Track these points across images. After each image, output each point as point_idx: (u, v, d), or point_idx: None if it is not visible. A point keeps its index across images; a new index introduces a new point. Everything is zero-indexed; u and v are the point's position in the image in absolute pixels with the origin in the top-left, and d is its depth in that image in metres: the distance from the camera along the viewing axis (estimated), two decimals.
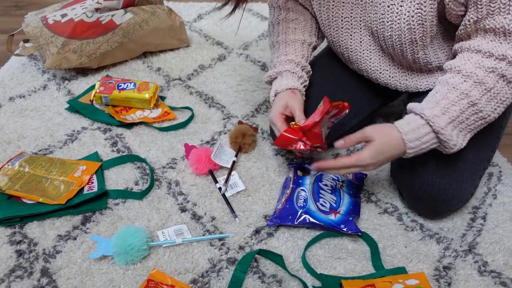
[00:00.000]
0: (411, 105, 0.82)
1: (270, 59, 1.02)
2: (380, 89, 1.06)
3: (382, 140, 0.80)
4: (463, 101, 0.77)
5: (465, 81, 0.77)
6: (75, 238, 0.91)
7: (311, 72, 1.05)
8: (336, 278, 0.82)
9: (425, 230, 0.94)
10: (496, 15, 0.72)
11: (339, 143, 0.84)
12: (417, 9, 0.79)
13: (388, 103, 1.18)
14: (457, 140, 0.79)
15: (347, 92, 1.08)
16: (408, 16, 0.81)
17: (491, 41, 0.75)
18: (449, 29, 0.86)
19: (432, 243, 0.92)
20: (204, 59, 1.49)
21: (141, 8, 1.43)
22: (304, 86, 1.00)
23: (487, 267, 0.87)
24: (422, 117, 0.79)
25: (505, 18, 0.72)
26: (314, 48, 1.06)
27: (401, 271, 0.84)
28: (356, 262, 0.87)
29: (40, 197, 0.94)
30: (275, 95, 0.97)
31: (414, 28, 0.82)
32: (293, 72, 0.98)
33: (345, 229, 0.89)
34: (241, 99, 1.31)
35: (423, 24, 0.81)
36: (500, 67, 0.74)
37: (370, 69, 0.98)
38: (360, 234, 0.90)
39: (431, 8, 0.79)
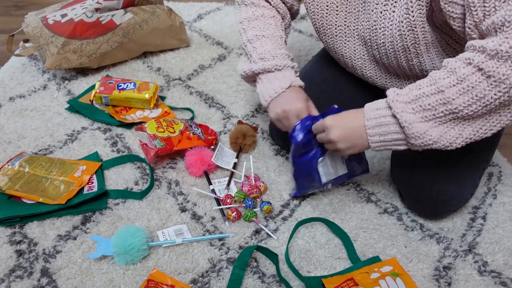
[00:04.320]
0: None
1: (248, 53, 0.98)
2: (380, 91, 1.06)
3: (347, 112, 0.82)
4: (431, 87, 0.72)
5: (448, 76, 0.72)
6: (75, 238, 0.91)
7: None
8: (318, 279, 0.83)
9: (425, 230, 0.94)
10: (492, 14, 0.68)
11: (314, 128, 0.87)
12: (405, 14, 0.78)
13: None
14: (421, 127, 0.73)
15: (345, 93, 1.08)
16: (398, 21, 0.80)
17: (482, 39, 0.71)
18: (445, 38, 0.85)
19: (432, 243, 0.92)
20: (204, 59, 1.49)
21: (141, 8, 1.43)
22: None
23: (487, 267, 0.87)
24: (386, 96, 0.77)
25: (495, 14, 0.67)
26: None
27: (375, 260, 0.86)
28: None
29: (40, 197, 0.94)
30: (288, 87, 0.93)
31: (405, 35, 0.81)
32: (295, 70, 0.97)
33: (358, 172, 0.94)
34: (241, 99, 1.31)
35: (413, 30, 0.80)
36: (478, 60, 0.67)
37: (366, 74, 0.98)
38: (368, 171, 0.93)
39: (420, 13, 0.77)
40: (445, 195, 0.89)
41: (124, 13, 1.40)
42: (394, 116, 0.75)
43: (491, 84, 0.67)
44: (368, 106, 0.79)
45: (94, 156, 1.09)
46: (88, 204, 0.96)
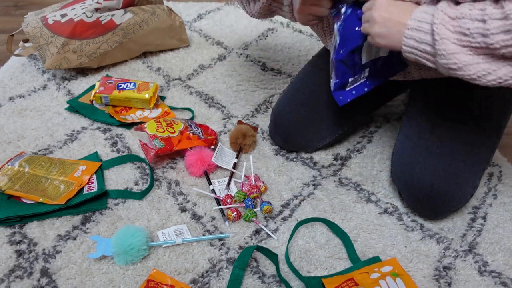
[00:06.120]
0: None
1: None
2: (379, 90, 1.06)
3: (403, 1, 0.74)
4: (479, 12, 0.64)
5: (498, 8, 0.63)
6: (75, 238, 0.91)
7: None
8: (318, 279, 0.83)
9: (425, 230, 0.94)
10: None
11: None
12: None
13: (387, 103, 1.18)
14: (451, 47, 0.66)
15: None
16: None
17: None
18: None
19: (432, 243, 0.91)
20: (204, 59, 1.49)
21: (141, 8, 1.43)
22: None
23: (487, 267, 0.87)
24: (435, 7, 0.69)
25: None
26: None
27: (375, 260, 0.86)
28: None
29: (40, 197, 0.94)
30: None
31: None
32: None
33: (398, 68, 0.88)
34: (241, 99, 1.31)
35: None
36: None
37: None
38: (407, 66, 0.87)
39: None
40: (445, 196, 0.89)
41: (124, 13, 1.40)
42: (433, 13, 0.68)
43: None
44: (420, 7, 0.71)
45: (94, 156, 1.09)
46: (88, 204, 0.96)
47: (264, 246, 0.89)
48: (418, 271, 0.86)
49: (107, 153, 1.11)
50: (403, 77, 0.96)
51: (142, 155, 1.10)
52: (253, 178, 1.02)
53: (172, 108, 1.26)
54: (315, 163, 1.10)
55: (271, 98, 1.31)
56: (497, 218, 0.97)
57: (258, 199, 0.99)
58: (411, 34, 0.70)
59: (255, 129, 1.18)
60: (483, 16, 0.64)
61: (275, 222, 0.95)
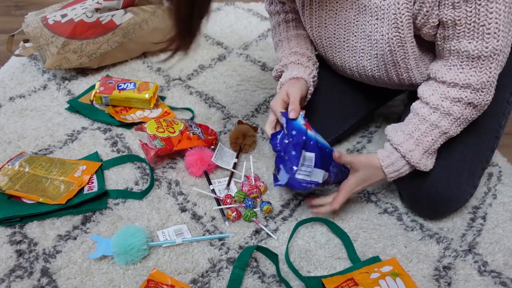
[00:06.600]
0: (389, 133, 0.87)
1: (272, 59, 0.99)
2: (378, 91, 1.06)
3: (366, 171, 0.88)
4: (434, 131, 0.82)
5: (433, 112, 0.81)
6: (75, 238, 0.91)
7: (318, 63, 1.03)
8: (318, 279, 0.83)
9: (425, 230, 0.94)
10: (462, 38, 0.74)
11: (335, 154, 0.88)
12: (395, 32, 0.80)
13: (387, 102, 1.18)
14: (430, 163, 0.86)
15: (344, 93, 1.08)
16: (388, 38, 0.82)
17: (454, 66, 0.78)
18: (433, 50, 0.87)
19: (432, 243, 0.92)
20: (204, 59, 1.49)
21: (141, 8, 1.43)
22: (312, 77, 0.98)
23: (487, 267, 0.87)
24: (398, 150, 0.85)
25: (469, 42, 0.74)
26: None
27: (375, 260, 0.86)
28: None
29: (40, 197, 0.94)
30: (280, 87, 0.96)
31: (395, 50, 0.83)
32: (298, 63, 0.97)
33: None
34: (241, 99, 1.31)
35: (403, 46, 0.82)
36: (466, 96, 0.78)
37: (357, 79, 1.00)
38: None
39: (409, 30, 0.80)
40: (444, 196, 0.89)
41: (124, 13, 1.40)
42: (404, 156, 0.85)
43: (478, 110, 0.81)
44: (381, 155, 0.86)
45: (94, 156, 1.09)
46: (88, 204, 0.96)
47: (264, 246, 0.89)
48: (418, 271, 0.86)
49: (107, 153, 1.12)
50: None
51: (142, 155, 1.11)
52: (253, 178, 1.02)
53: (172, 108, 1.27)
54: None
55: (271, 98, 1.31)
56: (496, 218, 0.97)
57: (258, 199, 0.99)
58: (390, 170, 0.87)
59: (255, 129, 1.18)
60: (444, 131, 0.82)
61: (275, 222, 0.95)
